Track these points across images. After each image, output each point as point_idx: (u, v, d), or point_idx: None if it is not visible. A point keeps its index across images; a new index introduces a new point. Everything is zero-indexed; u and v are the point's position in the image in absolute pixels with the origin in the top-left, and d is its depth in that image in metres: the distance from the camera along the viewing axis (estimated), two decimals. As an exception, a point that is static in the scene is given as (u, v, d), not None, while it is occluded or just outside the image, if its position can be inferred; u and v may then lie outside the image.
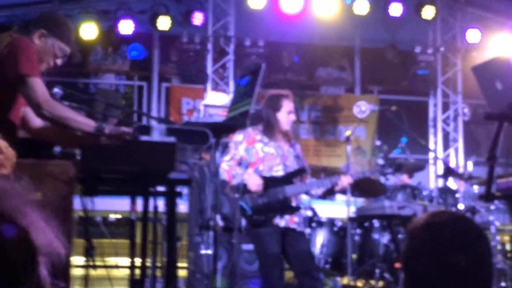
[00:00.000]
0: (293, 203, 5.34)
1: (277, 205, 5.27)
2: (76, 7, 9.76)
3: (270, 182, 5.28)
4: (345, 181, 5.45)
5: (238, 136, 5.39)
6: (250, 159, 5.35)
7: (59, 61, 3.72)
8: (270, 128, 5.39)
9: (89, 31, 9.83)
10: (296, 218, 5.32)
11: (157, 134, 3.44)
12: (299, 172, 5.41)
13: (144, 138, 3.41)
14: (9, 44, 3.48)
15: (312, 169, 5.93)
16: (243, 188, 5.27)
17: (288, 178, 5.34)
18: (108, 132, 3.49)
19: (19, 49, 3.45)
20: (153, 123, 3.74)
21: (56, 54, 3.67)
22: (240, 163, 5.35)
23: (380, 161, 6.06)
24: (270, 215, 5.25)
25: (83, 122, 3.51)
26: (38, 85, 3.42)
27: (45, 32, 3.63)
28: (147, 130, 3.45)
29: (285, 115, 5.40)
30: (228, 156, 5.36)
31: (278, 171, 5.34)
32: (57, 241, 1.21)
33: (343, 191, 6.09)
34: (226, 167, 5.30)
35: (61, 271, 1.22)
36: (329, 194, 5.72)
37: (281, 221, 5.26)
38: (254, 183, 5.22)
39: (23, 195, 1.22)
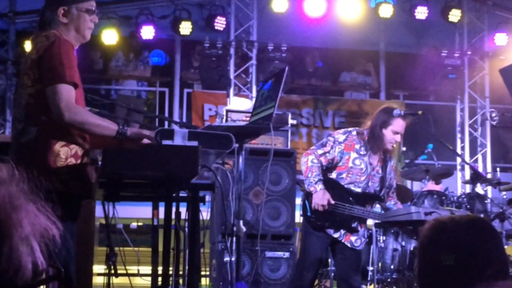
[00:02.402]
0: (354, 224, 5.23)
1: (338, 219, 5.20)
2: (97, 12, 9.70)
3: (344, 195, 5.18)
4: None
5: (340, 136, 5.28)
6: (339, 163, 5.24)
7: (95, 19, 3.64)
8: (372, 141, 5.25)
9: (110, 37, 9.82)
10: (353, 238, 5.23)
11: (180, 138, 3.37)
12: (376, 198, 5.32)
13: (166, 142, 3.34)
14: (44, 48, 3.43)
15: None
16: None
17: (362, 198, 5.24)
18: (130, 134, 3.44)
19: (53, 56, 3.41)
20: (175, 127, 3.67)
21: (86, 17, 3.59)
22: (330, 162, 5.22)
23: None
24: (327, 224, 5.19)
25: (105, 126, 3.46)
26: (63, 92, 3.36)
27: (65, 7, 3.57)
28: (169, 134, 3.38)
29: (390, 135, 5.22)
30: (321, 150, 5.22)
31: (358, 188, 5.24)
32: (49, 223, 1.20)
33: None
34: (310, 163, 5.16)
35: (57, 254, 1.23)
36: None
37: (336, 233, 5.21)
38: (318, 203, 5.12)
39: (12, 180, 1.20)
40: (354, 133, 5.29)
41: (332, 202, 5.14)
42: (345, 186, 5.21)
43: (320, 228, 5.20)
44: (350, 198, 5.19)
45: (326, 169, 5.26)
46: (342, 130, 5.39)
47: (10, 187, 1.17)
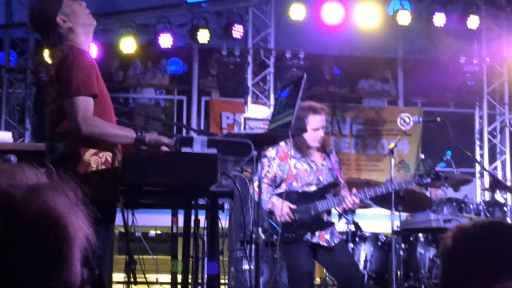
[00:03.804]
0: (326, 218, 5.22)
1: (309, 222, 5.16)
2: (115, 21, 9.76)
3: (302, 198, 5.16)
4: (349, 203, 5.23)
5: (271, 152, 5.26)
6: (283, 175, 5.23)
7: (81, 2, 3.63)
8: (299, 145, 5.23)
9: (128, 45, 9.85)
10: (327, 235, 5.19)
11: (199, 146, 3.38)
12: (331, 186, 5.28)
13: (185, 149, 3.35)
14: (60, 62, 3.44)
15: (355, 183, 5.78)
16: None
17: (320, 193, 5.22)
18: (149, 140, 3.46)
19: (67, 69, 3.41)
20: (194, 134, 3.68)
21: (77, 5, 3.58)
22: (274, 180, 5.22)
23: (419, 172, 5.91)
24: (301, 232, 5.14)
25: (123, 135, 3.49)
26: (79, 105, 3.36)
27: (60, 15, 3.53)
28: (188, 141, 3.39)
29: (311, 133, 5.20)
30: (262, 174, 5.21)
31: (311, 187, 5.22)
32: (90, 230, 1.20)
33: (385, 205, 5.92)
34: (257, 188, 5.16)
35: (94, 257, 1.24)
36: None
37: (313, 238, 5.17)
38: (282, 213, 5.07)
39: (65, 186, 1.20)
40: (282, 144, 5.23)
41: (293, 206, 5.09)
42: (300, 191, 5.18)
43: (297, 239, 5.12)
44: (309, 198, 5.16)
45: (276, 187, 5.24)
46: (269, 149, 5.27)
47: (67, 193, 1.17)
